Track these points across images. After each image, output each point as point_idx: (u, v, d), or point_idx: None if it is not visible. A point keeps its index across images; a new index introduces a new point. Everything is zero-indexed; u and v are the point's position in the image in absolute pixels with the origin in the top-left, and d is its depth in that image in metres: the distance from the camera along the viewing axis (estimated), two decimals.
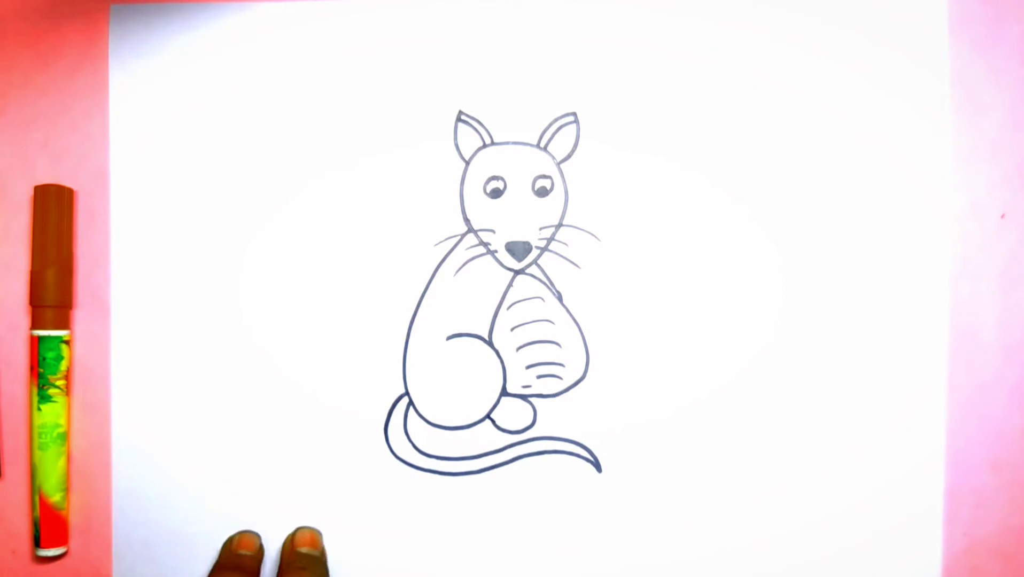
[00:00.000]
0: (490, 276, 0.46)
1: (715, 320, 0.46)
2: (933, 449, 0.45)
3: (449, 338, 0.46)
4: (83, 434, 0.47)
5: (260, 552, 0.46)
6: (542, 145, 0.46)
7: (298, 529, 0.46)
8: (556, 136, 0.46)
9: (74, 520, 0.48)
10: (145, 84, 0.47)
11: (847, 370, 0.45)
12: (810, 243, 0.45)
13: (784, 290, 0.46)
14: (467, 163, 0.46)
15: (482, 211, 0.46)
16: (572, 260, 0.46)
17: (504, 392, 0.46)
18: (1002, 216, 0.45)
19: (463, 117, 0.46)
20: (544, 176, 0.46)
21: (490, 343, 0.46)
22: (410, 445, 0.46)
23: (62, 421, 0.46)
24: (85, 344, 0.47)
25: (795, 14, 0.45)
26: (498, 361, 0.46)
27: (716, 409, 0.46)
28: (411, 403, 0.46)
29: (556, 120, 0.46)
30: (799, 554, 0.46)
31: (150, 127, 0.47)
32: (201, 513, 0.47)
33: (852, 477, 0.45)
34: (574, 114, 0.46)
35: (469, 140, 0.46)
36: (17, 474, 0.48)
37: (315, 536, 0.46)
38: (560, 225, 0.46)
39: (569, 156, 0.46)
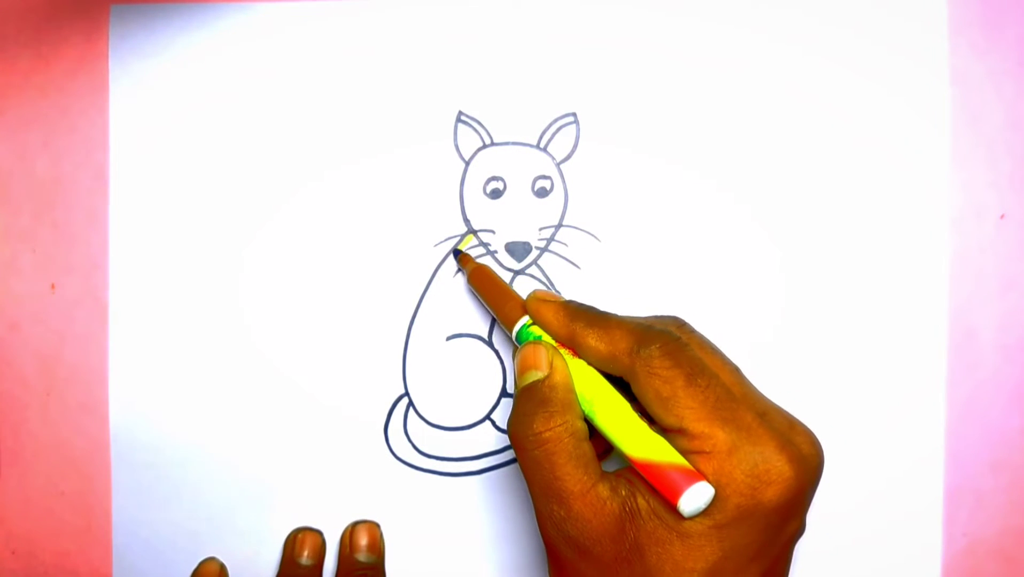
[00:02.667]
0: None
1: (715, 320, 0.46)
2: (933, 449, 0.45)
3: (449, 339, 0.46)
4: (83, 434, 0.47)
5: (321, 555, 0.46)
6: (542, 145, 0.46)
7: (355, 526, 0.46)
8: (556, 136, 0.46)
9: (74, 520, 0.48)
10: (145, 84, 0.47)
11: (846, 370, 0.45)
12: (810, 243, 0.45)
13: (784, 290, 0.46)
14: (467, 163, 0.46)
15: (482, 212, 0.46)
16: (572, 261, 0.46)
17: (504, 393, 0.46)
18: (1002, 216, 0.45)
19: (463, 117, 0.46)
20: (544, 176, 0.46)
21: (490, 344, 0.46)
22: (410, 446, 0.46)
23: None
24: (85, 344, 0.47)
25: (795, 14, 0.45)
26: (498, 362, 0.46)
27: None
28: (411, 404, 0.46)
29: (556, 120, 0.46)
30: (798, 554, 0.46)
31: (150, 127, 0.47)
32: (201, 513, 0.47)
33: (852, 477, 0.45)
34: (574, 115, 0.46)
35: (469, 140, 0.46)
36: (17, 474, 0.48)
37: (373, 534, 0.46)
38: (560, 225, 0.46)
39: (569, 156, 0.46)
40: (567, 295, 0.46)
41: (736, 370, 0.34)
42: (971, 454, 0.45)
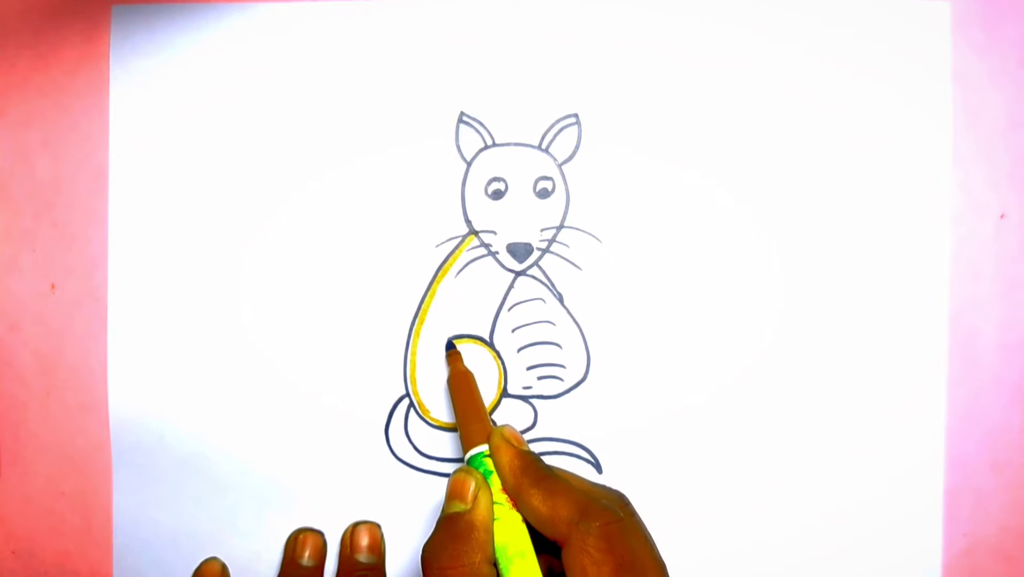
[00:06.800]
0: (491, 277, 0.46)
1: (716, 321, 0.46)
2: (933, 449, 0.45)
3: (450, 339, 0.46)
4: (83, 434, 0.47)
5: (322, 556, 0.46)
6: (544, 146, 0.46)
7: (356, 526, 0.46)
8: (558, 137, 0.46)
9: (74, 520, 0.48)
10: (146, 84, 0.47)
11: (847, 370, 0.46)
12: (810, 243, 0.46)
13: (784, 290, 0.46)
14: (469, 164, 0.46)
15: (483, 212, 0.46)
16: (573, 262, 0.46)
17: (505, 393, 0.46)
18: (1002, 216, 0.46)
19: (465, 118, 0.46)
20: (546, 177, 0.46)
21: (491, 344, 0.46)
22: (411, 446, 0.47)
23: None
24: (85, 344, 0.47)
25: (796, 14, 0.45)
26: (499, 362, 0.46)
27: (716, 410, 0.46)
28: (412, 404, 0.46)
29: (558, 121, 0.46)
30: (799, 554, 0.46)
31: (150, 127, 0.47)
32: (202, 513, 0.47)
33: (852, 477, 0.46)
34: (576, 115, 0.46)
35: (471, 141, 0.46)
36: (17, 474, 0.48)
37: (374, 535, 0.46)
38: (561, 227, 0.46)
39: (571, 157, 0.46)
40: (568, 296, 0.46)
41: (662, 569, 0.35)
42: (971, 454, 0.45)
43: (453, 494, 0.37)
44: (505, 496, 0.37)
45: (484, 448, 0.38)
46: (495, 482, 0.37)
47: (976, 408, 0.45)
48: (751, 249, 0.46)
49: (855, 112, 0.45)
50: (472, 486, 0.36)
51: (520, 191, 0.46)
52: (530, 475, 0.36)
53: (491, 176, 0.46)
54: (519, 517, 0.36)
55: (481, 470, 0.38)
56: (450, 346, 0.46)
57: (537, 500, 0.35)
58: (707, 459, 0.46)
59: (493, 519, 0.36)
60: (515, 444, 0.38)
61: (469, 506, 0.36)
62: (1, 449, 0.48)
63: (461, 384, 0.43)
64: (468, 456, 0.39)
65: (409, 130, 0.46)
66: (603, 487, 0.37)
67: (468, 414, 0.41)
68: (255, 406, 0.47)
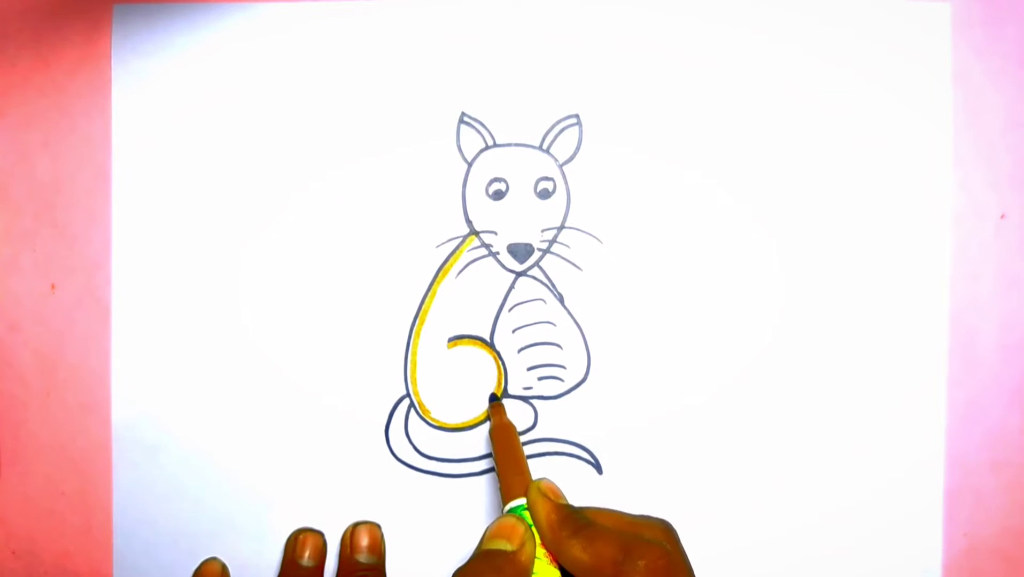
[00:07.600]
0: (492, 278, 0.46)
1: (716, 321, 0.46)
2: (933, 449, 0.45)
3: (451, 340, 0.46)
4: (83, 434, 0.47)
5: (323, 556, 0.46)
6: (544, 147, 0.46)
7: (356, 526, 0.46)
8: (559, 138, 0.46)
9: (74, 520, 0.48)
10: (148, 84, 0.47)
11: (847, 370, 0.46)
12: (810, 244, 0.46)
13: (784, 291, 0.46)
14: (469, 165, 0.46)
15: (484, 213, 0.46)
16: (574, 262, 0.46)
17: (505, 394, 0.46)
18: (1002, 216, 0.46)
19: (465, 119, 0.46)
20: (546, 178, 0.46)
21: (491, 345, 0.46)
22: (411, 447, 0.46)
23: None
24: (85, 344, 0.47)
25: (796, 15, 0.45)
26: (499, 363, 0.46)
27: (717, 410, 0.46)
28: (412, 405, 0.46)
29: (559, 122, 0.46)
30: (799, 554, 0.46)
31: (153, 127, 0.47)
32: (202, 514, 0.47)
33: (852, 477, 0.46)
34: (577, 116, 0.46)
35: (471, 142, 0.46)
36: (17, 474, 0.48)
37: (374, 535, 0.46)
38: (562, 227, 0.46)
39: (571, 158, 0.46)
40: (569, 296, 0.46)
41: None
42: (971, 454, 0.46)
43: (498, 533, 0.36)
44: (544, 551, 0.36)
45: (524, 501, 0.38)
46: (535, 536, 0.37)
47: (976, 408, 0.46)
48: (751, 249, 0.46)
49: (855, 112, 0.45)
50: (521, 532, 0.36)
51: (521, 191, 0.46)
52: (568, 526, 0.36)
53: (492, 176, 0.46)
54: (557, 574, 0.36)
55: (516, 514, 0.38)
56: (493, 399, 0.46)
57: (578, 550, 0.34)
58: (707, 459, 0.46)
59: (532, 572, 0.36)
60: (552, 497, 0.37)
61: (515, 548, 0.35)
62: (1, 449, 0.48)
63: (503, 437, 0.42)
64: (508, 508, 0.39)
65: (410, 130, 0.46)
66: (646, 518, 0.37)
67: (509, 467, 0.41)
68: (256, 406, 0.47)
